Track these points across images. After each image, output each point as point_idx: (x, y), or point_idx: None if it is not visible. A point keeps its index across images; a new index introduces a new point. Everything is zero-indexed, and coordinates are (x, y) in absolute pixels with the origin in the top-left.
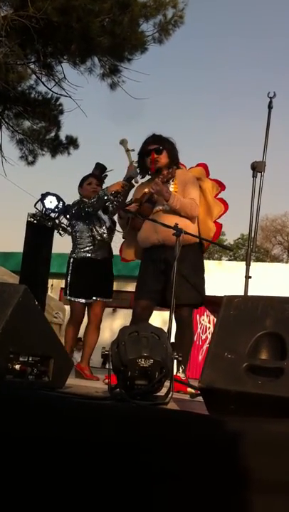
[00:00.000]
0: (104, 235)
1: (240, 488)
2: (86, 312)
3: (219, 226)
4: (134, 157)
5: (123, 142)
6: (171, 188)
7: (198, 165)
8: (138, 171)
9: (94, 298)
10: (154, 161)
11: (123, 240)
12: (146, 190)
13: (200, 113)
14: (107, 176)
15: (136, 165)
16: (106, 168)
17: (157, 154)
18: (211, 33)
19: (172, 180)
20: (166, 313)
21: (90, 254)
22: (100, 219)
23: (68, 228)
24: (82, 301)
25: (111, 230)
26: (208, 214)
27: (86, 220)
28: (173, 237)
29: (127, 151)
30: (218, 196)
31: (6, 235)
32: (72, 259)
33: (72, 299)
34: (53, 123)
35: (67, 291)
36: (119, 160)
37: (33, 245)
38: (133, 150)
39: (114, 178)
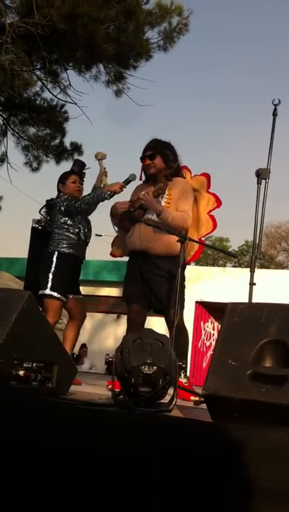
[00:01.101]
0: (88, 236)
1: (243, 497)
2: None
3: (202, 247)
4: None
5: (98, 155)
6: (165, 198)
7: (202, 174)
8: (135, 175)
9: (75, 296)
10: (147, 166)
11: (116, 234)
12: (140, 195)
13: (204, 119)
14: (85, 173)
15: (106, 170)
16: (85, 165)
17: (151, 160)
18: (216, 39)
19: (166, 191)
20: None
21: (74, 252)
22: (87, 220)
23: (49, 222)
24: (63, 298)
25: (91, 232)
26: (196, 229)
27: (75, 217)
28: (155, 246)
29: (99, 160)
30: (211, 213)
31: (11, 240)
32: (57, 253)
33: (55, 295)
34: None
35: (48, 285)
36: (122, 164)
37: (38, 251)
38: (104, 158)
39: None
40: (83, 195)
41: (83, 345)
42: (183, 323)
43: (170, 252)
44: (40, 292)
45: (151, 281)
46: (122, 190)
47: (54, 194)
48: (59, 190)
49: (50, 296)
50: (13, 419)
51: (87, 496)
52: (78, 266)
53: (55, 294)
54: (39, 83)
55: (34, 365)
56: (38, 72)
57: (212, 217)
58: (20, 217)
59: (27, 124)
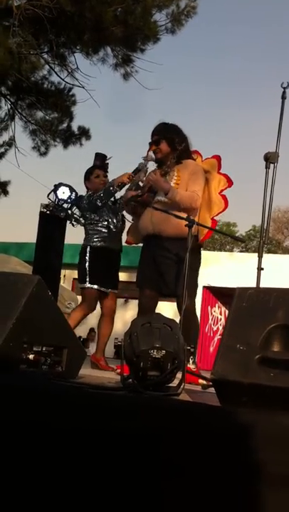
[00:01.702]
0: (119, 225)
1: (251, 481)
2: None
3: (215, 223)
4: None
5: (149, 157)
6: (174, 180)
7: (213, 157)
8: (143, 164)
9: (107, 290)
10: (154, 152)
11: (132, 222)
12: (148, 179)
13: (212, 103)
14: (108, 164)
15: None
16: (106, 156)
17: (156, 145)
18: (224, 22)
19: (176, 173)
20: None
21: (105, 244)
22: (114, 209)
23: (81, 219)
24: (97, 287)
25: (122, 221)
26: (208, 209)
27: (100, 211)
28: (167, 229)
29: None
30: (223, 192)
31: (20, 225)
32: (89, 248)
33: (88, 286)
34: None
35: (87, 279)
36: (129, 150)
37: (46, 236)
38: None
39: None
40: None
41: (91, 330)
42: (194, 309)
43: (182, 233)
44: (81, 286)
45: (163, 265)
46: (131, 181)
47: (62, 178)
48: (86, 187)
49: (91, 288)
50: (24, 402)
51: (94, 479)
52: (114, 257)
53: (95, 286)
54: (46, 66)
55: (44, 349)
56: (46, 56)
57: (224, 197)
58: (29, 201)
59: (34, 108)
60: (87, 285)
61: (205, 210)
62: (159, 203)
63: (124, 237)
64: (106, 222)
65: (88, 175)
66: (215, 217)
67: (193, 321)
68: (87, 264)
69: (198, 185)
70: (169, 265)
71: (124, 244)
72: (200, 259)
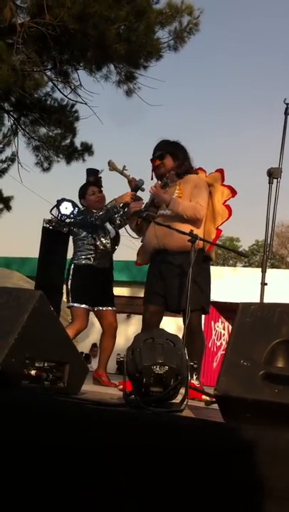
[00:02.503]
0: (108, 245)
1: (255, 497)
2: (99, 321)
3: (219, 232)
4: (129, 172)
5: (112, 166)
6: (176, 193)
7: (216, 170)
8: (143, 181)
9: (104, 308)
10: (156, 167)
11: (141, 243)
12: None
13: (216, 119)
14: (101, 178)
15: (136, 178)
16: (98, 171)
17: (160, 160)
18: (226, 39)
19: (178, 186)
20: (180, 319)
21: (91, 262)
22: (104, 229)
23: (71, 234)
24: (84, 306)
25: (115, 241)
26: (212, 220)
27: (90, 228)
28: (173, 243)
29: (121, 172)
30: (227, 203)
31: (22, 240)
32: (73, 265)
33: (76, 305)
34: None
35: (70, 299)
36: (133, 164)
37: (49, 251)
38: (124, 166)
39: (119, 187)
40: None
41: (93, 345)
42: (200, 325)
43: (187, 247)
44: (68, 305)
45: (170, 279)
46: (133, 199)
47: (65, 194)
48: (82, 205)
49: (72, 306)
50: (24, 419)
51: (88, 497)
52: (101, 275)
53: (75, 304)
54: (50, 83)
55: (46, 364)
56: (49, 73)
57: (227, 206)
58: (31, 217)
59: (38, 124)
60: (69, 304)
61: (210, 221)
62: (162, 216)
63: (120, 250)
64: (93, 240)
65: (83, 193)
66: (220, 227)
67: (198, 336)
68: (69, 282)
69: (201, 197)
70: (176, 278)
71: (120, 258)
72: (209, 270)
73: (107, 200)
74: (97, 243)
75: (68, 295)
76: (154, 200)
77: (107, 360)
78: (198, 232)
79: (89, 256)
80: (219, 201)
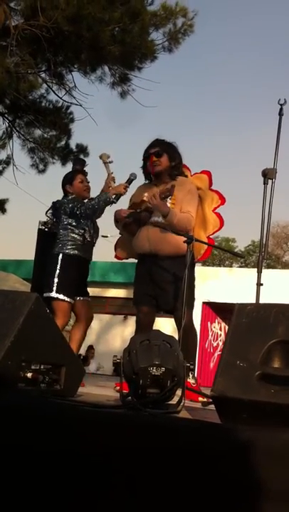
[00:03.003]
0: (94, 239)
1: (252, 498)
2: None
3: (211, 242)
4: (112, 169)
5: (102, 156)
6: (169, 199)
7: (203, 172)
8: (136, 174)
9: (82, 298)
10: (153, 163)
11: (119, 235)
12: (144, 198)
13: (211, 119)
14: (86, 171)
15: (113, 175)
16: (85, 162)
17: (157, 157)
18: (220, 40)
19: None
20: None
21: (78, 252)
22: (93, 221)
23: (54, 224)
24: (70, 300)
25: (98, 233)
26: (203, 228)
27: (80, 219)
28: (164, 248)
29: (105, 163)
30: (216, 210)
31: (18, 242)
32: (61, 255)
33: (62, 297)
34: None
35: (54, 288)
36: (129, 167)
37: (45, 253)
38: (111, 162)
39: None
40: (90, 197)
41: (90, 347)
42: (192, 323)
43: (179, 252)
44: (46, 295)
45: (161, 283)
46: (126, 191)
47: (60, 195)
48: (66, 191)
49: (56, 298)
50: (20, 422)
51: (85, 499)
52: (85, 267)
53: (60, 296)
54: (44, 85)
55: (42, 367)
56: (43, 75)
57: (218, 215)
58: (27, 219)
59: (32, 127)
60: (53, 294)
61: (200, 228)
62: (154, 222)
63: (107, 249)
64: (82, 231)
65: (70, 179)
66: (211, 236)
67: (192, 336)
68: (57, 272)
69: (192, 206)
70: (168, 283)
71: (117, 260)
72: (194, 273)
73: (96, 193)
74: (86, 234)
75: (52, 285)
76: (148, 207)
77: (78, 350)
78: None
79: (77, 246)
80: (210, 208)
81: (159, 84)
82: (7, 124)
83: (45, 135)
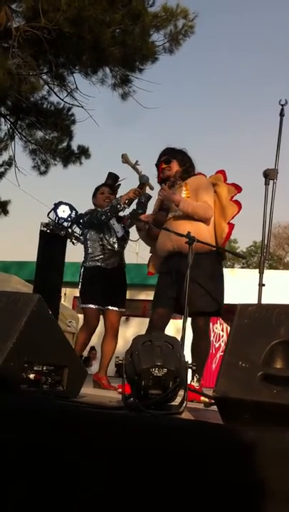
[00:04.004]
0: (115, 245)
1: (255, 499)
2: (103, 321)
3: (232, 226)
4: (141, 168)
5: (125, 158)
6: (184, 194)
7: (217, 172)
8: (147, 177)
9: (108, 307)
10: (163, 170)
11: (150, 253)
12: (158, 198)
13: (212, 120)
14: (120, 185)
15: (145, 174)
16: (118, 178)
17: (166, 164)
18: (221, 39)
19: (184, 187)
20: (179, 322)
21: (100, 263)
22: (110, 228)
23: (81, 237)
24: (93, 306)
25: (123, 240)
26: (222, 216)
27: (97, 228)
28: (187, 245)
29: (133, 166)
30: (234, 198)
31: (20, 244)
32: (83, 269)
33: (84, 306)
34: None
35: (81, 300)
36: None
37: (47, 254)
38: (137, 161)
39: (128, 188)
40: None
41: (92, 348)
42: (208, 327)
43: (202, 248)
44: (81, 306)
45: (182, 282)
46: (137, 195)
47: (62, 197)
48: (94, 204)
49: (84, 307)
50: (24, 423)
51: (86, 499)
52: (111, 276)
53: (84, 305)
54: (46, 87)
55: (44, 368)
56: (45, 76)
57: (235, 201)
58: (29, 220)
59: (34, 128)
60: (81, 305)
61: (220, 217)
62: (173, 218)
63: (130, 257)
64: (101, 242)
65: (95, 192)
66: (231, 221)
67: (205, 339)
68: (80, 285)
69: (207, 197)
70: (192, 281)
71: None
72: (222, 270)
73: None
74: (104, 243)
75: (80, 296)
76: (163, 203)
77: (108, 363)
78: (209, 230)
79: (97, 257)
80: (226, 198)
81: (160, 85)
82: (9, 126)
83: (47, 137)
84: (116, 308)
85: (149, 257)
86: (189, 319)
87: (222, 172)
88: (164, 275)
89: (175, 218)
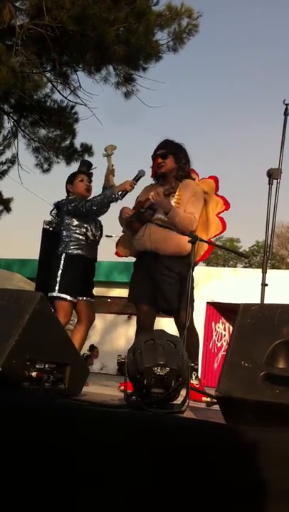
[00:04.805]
0: (97, 237)
1: (257, 498)
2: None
3: (211, 247)
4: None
5: (107, 148)
6: (175, 198)
7: (210, 177)
8: (144, 171)
9: (85, 298)
10: (158, 165)
11: (122, 233)
12: (149, 197)
13: (215, 119)
14: (92, 173)
15: (113, 168)
16: (92, 165)
17: (162, 159)
18: (226, 39)
19: (176, 192)
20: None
21: (81, 252)
22: (95, 219)
23: (57, 224)
24: (71, 299)
25: (101, 232)
26: (205, 230)
27: (83, 218)
28: (165, 246)
29: (108, 155)
30: (220, 215)
31: (23, 242)
32: (64, 255)
33: (63, 296)
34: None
35: (56, 288)
36: (133, 166)
37: (49, 252)
38: (112, 154)
39: (100, 177)
40: (92, 195)
41: (93, 347)
42: (193, 324)
43: (180, 252)
44: (50, 294)
45: (161, 283)
46: (133, 188)
47: (65, 195)
48: (68, 191)
49: (59, 297)
50: (25, 422)
51: (87, 498)
52: (89, 266)
53: (62, 295)
54: (49, 85)
55: (46, 366)
56: (48, 74)
57: (221, 219)
58: (32, 218)
59: (37, 126)
60: (55, 293)
61: (201, 230)
62: (158, 220)
63: (111, 248)
64: (84, 230)
65: (71, 178)
66: (212, 239)
67: (194, 337)
68: (59, 272)
69: (196, 208)
70: (169, 282)
71: (121, 259)
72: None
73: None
74: (88, 233)
75: (55, 284)
76: (153, 204)
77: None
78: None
79: (80, 246)
80: (213, 211)
81: (164, 83)
82: (12, 124)
83: (50, 134)
84: (92, 299)
85: (120, 237)
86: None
87: (215, 179)
88: (140, 272)
89: (161, 220)
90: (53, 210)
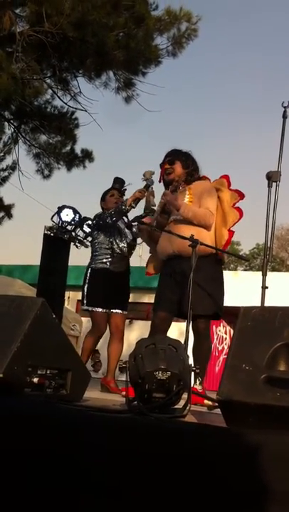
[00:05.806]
0: (124, 249)
1: (259, 501)
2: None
3: (231, 233)
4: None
5: (146, 173)
6: (186, 198)
7: (221, 177)
8: (153, 180)
9: (113, 310)
10: (166, 170)
11: (150, 254)
12: (160, 201)
13: (214, 122)
14: (126, 189)
15: (153, 191)
16: (124, 182)
17: (170, 165)
18: (224, 43)
19: (188, 191)
20: (183, 325)
21: (107, 266)
22: (121, 232)
23: (85, 240)
24: (101, 310)
25: (131, 246)
26: (224, 222)
27: (107, 232)
28: (188, 248)
29: (146, 179)
30: (236, 205)
31: (24, 248)
32: (90, 269)
33: (91, 309)
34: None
35: (84, 302)
36: (134, 173)
37: (50, 258)
38: (150, 178)
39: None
40: (134, 216)
41: (96, 351)
42: (208, 332)
43: (203, 251)
44: (82, 308)
45: (184, 285)
46: (143, 195)
47: (66, 201)
48: (102, 208)
49: (87, 310)
50: (27, 427)
51: (89, 503)
52: (117, 279)
53: (89, 308)
54: (49, 91)
55: (48, 371)
56: (49, 80)
57: (237, 208)
58: (33, 224)
59: (38, 132)
60: (84, 307)
61: (221, 223)
62: (174, 221)
63: (133, 260)
64: (110, 244)
65: (104, 195)
66: (232, 228)
67: (206, 341)
68: (86, 286)
69: (210, 203)
70: (193, 284)
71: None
72: (222, 273)
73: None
74: (114, 247)
75: (84, 299)
76: (165, 206)
77: (116, 367)
78: (210, 236)
79: (105, 260)
80: (229, 204)
81: (163, 88)
82: (13, 130)
83: (51, 140)
84: (120, 311)
85: (148, 258)
86: (182, 323)
87: (226, 177)
88: (165, 277)
89: (176, 222)
90: (54, 215)
